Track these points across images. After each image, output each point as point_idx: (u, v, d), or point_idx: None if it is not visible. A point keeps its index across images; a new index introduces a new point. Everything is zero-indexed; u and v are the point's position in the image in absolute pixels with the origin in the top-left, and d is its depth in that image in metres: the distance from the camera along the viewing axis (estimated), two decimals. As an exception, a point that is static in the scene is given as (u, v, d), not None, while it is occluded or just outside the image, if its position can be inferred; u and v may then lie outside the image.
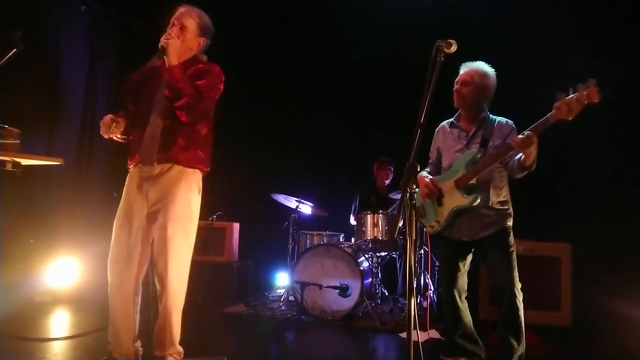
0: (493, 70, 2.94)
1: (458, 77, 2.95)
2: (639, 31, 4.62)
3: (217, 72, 2.62)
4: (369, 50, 5.67)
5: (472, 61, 2.95)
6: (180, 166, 2.54)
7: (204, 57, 2.73)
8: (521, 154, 2.60)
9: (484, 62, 2.95)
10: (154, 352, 2.53)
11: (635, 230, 4.48)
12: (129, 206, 2.58)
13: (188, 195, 2.56)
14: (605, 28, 4.74)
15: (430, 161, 3.21)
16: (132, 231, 2.55)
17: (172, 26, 2.60)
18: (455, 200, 2.87)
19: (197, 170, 2.62)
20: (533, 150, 2.55)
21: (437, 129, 3.16)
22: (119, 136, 2.64)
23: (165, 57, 2.46)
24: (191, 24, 2.59)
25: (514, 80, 3.44)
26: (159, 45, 2.47)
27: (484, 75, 2.91)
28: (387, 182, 5.53)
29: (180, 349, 2.57)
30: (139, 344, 2.65)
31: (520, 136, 2.53)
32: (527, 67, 4.88)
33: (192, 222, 2.59)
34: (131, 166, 2.65)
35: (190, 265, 2.61)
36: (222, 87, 2.63)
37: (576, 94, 2.36)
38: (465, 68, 2.96)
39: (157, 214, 2.51)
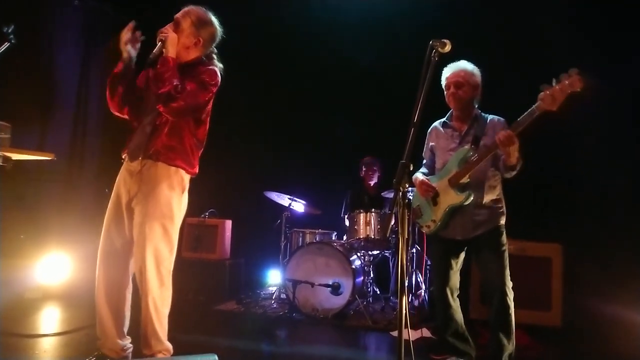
0: (475, 66, 2.95)
1: (448, 81, 2.93)
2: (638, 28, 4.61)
3: (212, 73, 2.55)
4: (362, 51, 5.66)
5: (455, 61, 2.93)
6: (163, 164, 2.50)
7: (212, 64, 2.64)
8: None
9: (465, 61, 2.95)
10: (142, 350, 2.52)
11: (625, 231, 4.49)
12: (117, 201, 2.58)
13: (169, 193, 2.50)
14: (602, 20, 4.73)
15: (424, 162, 3.23)
16: (119, 226, 2.55)
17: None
18: (449, 198, 2.89)
19: (181, 170, 2.55)
20: (514, 150, 2.58)
21: (429, 130, 3.16)
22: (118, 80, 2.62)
23: (163, 49, 2.46)
24: (185, 22, 2.55)
25: (501, 75, 3.46)
26: (157, 39, 2.47)
27: (472, 73, 2.93)
28: (372, 183, 5.49)
29: (169, 346, 2.54)
30: (128, 340, 2.64)
31: (503, 132, 2.56)
32: (515, 61, 4.86)
33: (172, 221, 2.53)
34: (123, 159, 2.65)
35: (174, 264, 2.57)
36: (214, 90, 2.56)
37: (559, 84, 2.39)
38: (451, 70, 2.94)
39: (136, 210, 2.49)
